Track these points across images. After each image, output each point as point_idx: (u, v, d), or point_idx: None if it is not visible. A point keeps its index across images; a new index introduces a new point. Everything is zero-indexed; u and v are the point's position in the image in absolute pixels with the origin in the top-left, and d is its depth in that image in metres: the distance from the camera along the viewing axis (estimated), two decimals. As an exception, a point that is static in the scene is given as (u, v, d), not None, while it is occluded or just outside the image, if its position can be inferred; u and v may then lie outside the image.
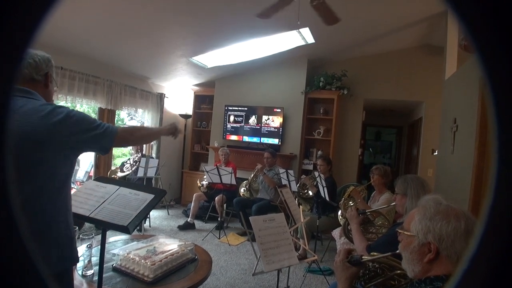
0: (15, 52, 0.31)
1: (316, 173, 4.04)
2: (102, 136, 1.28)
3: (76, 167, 6.04)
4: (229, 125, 5.90)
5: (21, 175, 1.12)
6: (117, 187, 1.50)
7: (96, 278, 1.59)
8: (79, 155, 1.34)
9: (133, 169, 4.85)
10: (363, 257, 1.31)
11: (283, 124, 5.50)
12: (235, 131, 5.86)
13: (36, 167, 1.16)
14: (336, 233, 3.39)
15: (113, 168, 5.12)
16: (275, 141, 5.54)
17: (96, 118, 4.98)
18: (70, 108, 1.27)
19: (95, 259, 2.07)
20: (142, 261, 2.04)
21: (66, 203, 1.28)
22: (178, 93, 6.60)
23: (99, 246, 1.48)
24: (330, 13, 2.80)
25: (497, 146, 0.30)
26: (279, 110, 5.51)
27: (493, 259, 0.30)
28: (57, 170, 1.22)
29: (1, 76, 0.30)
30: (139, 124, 5.95)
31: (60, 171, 1.23)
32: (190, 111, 6.58)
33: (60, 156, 1.22)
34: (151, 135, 1.76)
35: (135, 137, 1.50)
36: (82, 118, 1.26)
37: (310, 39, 4.54)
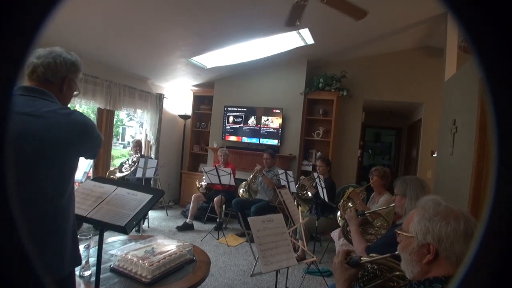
0: (17, 52, 0.31)
1: (315, 174, 4.03)
2: (98, 142, 1.32)
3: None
4: (228, 126, 5.89)
5: (41, 176, 1.13)
6: (115, 187, 1.49)
7: (94, 279, 1.58)
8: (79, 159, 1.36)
9: (131, 169, 4.84)
10: (361, 258, 1.30)
11: (282, 125, 5.49)
12: (234, 131, 5.86)
13: (57, 168, 1.17)
14: (335, 234, 3.39)
15: (111, 168, 5.11)
16: (274, 142, 5.53)
17: (95, 119, 4.98)
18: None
19: (92, 260, 2.06)
20: (140, 261, 2.03)
21: (73, 204, 1.29)
22: (177, 94, 6.60)
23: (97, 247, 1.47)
24: (298, 16, 2.72)
25: (497, 148, 0.30)
26: (278, 111, 5.50)
27: (493, 261, 0.30)
28: (69, 172, 1.24)
29: (2, 76, 0.30)
30: (138, 125, 5.95)
31: (72, 173, 1.26)
32: (189, 112, 6.58)
33: (72, 158, 1.24)
34: None
35: None
36: (93, 124, 1.29)
37: (310, 40, 4.54)
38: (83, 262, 2.01)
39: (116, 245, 2.54)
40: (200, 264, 2.35)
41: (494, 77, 0.29)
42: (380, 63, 5.41)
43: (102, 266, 1.63)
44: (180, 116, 6.53)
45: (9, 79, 0.31)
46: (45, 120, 1.12)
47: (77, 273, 1.99)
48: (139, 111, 5.64)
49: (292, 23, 2.80)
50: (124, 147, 12.09)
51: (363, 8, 2.66)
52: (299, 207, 3.59)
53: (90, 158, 1.40)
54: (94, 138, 1.29)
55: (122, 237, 2.76)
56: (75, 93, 1.37)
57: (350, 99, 5.49)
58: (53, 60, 1.20)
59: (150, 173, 4.88)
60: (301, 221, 2.83)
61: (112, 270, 2.08)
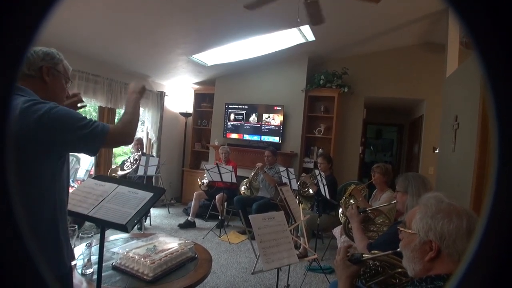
0: (16, 52, 0.31)
1: (317, 171, 4.03)
2: (88, 136, 1.16)
3: (76, 166, 6.05)
4: (229, 123, 5.89)
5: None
6: (116, 185, 1.49)
7: (96, 276, 1.58)
8: (63, 155, 1.20)
9: (133, 167, 4.85)
10: (363, 255, 1.30)
11: (283, 122, 5.48)
12: (235, 129, 5.86)
13: (17, 169, 1.02)
14: (337, 231, 3.39)
15: (113, 166, 5.12)
16: (276, 139, 5.53)
17: (97, 117, 4.97)
18: (54, 105, 1.13)
19: (94, 258, 2.07)
20: (142, 259, 2.03)
21: (54, 205, 1.18)
22: (179, 92, 6.59)
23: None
24: (319, 13, 2.79)
25: (498, 145, 0.29)
26: (279, 108, 5.49)
27: (494, 259, 0.29)
28: (39, 173, 1.11)
29: (2, 75, 0.30)
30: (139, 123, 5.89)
31: (43, 173, 1.13)
32: (190, 110, 6.57)
33: (41, 157, 1.11)
34: (136, 114, 1.47)
35: (129, 133, 1.34)
36: (65, 115, 1.14)
37: (311, 37, 4.53)
38: (85, 260, 2.03)
39: (118, 243, 2.55)
40: (202, 261, 2.36)
41: (496, 75, 0.29)
42: (381, 60, 5.39)
43: (104, 264, 1.64)
44: (181, 114, 6.52)
45: (9, 79, 0.31)
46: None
47: (79, 271, 2.00)
48: (140, 109, 5.63)
49: (318, 21, 2.88)
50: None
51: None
52: (300, 204, 3.59)
53: (87, 154, 1.27)
54: (68, 128, 1.13)
55: (124, 235, 2.76)
56: (68, 84, 1.35)
57: (352, 96, 5.47)
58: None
59: (151, 171, 4.90)
60: (302, 219, 2.83)
61: (114, 268, 2.08)
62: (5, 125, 0.31)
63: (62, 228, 1.22)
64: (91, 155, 1.30)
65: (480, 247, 0.30)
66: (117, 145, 1.79)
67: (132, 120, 1.39)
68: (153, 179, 5.42)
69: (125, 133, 1.32)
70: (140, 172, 4.75)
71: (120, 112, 5.72)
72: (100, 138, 1.19)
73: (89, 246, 2.05)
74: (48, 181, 1.15)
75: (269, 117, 5.58)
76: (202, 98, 6.58)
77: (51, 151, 1.14)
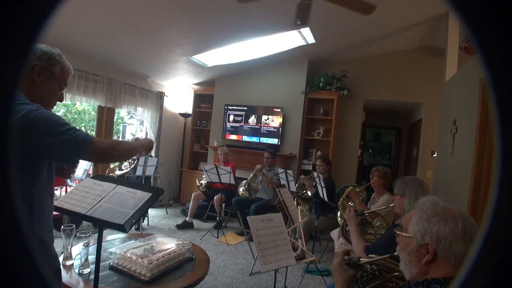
0: (19, 52, 0.31)
1: (315, 174, 4.03)
2: (68, 143, 1.09)
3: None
4: (228, 125, 5.89)
5: None
6: (114, 185, 1.49)
7: (93, 276, 1.58)
8: (41, 160, 1.12)
9: (131, 167, 4.84)
10: (361, 259, 1.30)
11: (282, 124, 5.49)
12: (234, 130, 5.86)
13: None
14: (334, 233, 3.39)
15: (111, 166, 5.11)
16: (275, 141, 5.53)
17: (95, 117, 4.97)
18: (36, 107, 1.06)
19: (92, 258, 2.06)
20: (139, 260, 2.03)
21: (31, 209, 1.12)
22: (178, 92, 6.60)
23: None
24: (308, 15, 2.71)
25: (500, 147, 0.29)
26: (279, 110, 5.50)
27: (495, 264, 0.29)
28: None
29: (5, 74, 0.31)
30: (138, 123, 5.86)
31: (19, 177, 1.03)
32: (189, 110, 6.58)
33: (19, 160, 1.04)
34: (130, 151, 1.41)
35: (115, 153, 1.26)
36: (45, 118, 1.07)
37: (311, 39, 4.54)
38: (82, 259, 2.02)
39: (116, 243, 2.54)
40: (200, 262, 2.35)
41: (498, 75, 0.29)
42: (381, 63, 5.40)
43: (101, 264, 1.63)
44: (181, 114, 6.53)
45: (13, 77, 0.31)
46: None
47: (76, 270, 2.00)
48: (139, 109, 5.64)
49: (302, 23, 2.82)
50: (125, 145, 12.10)
51: (371, 2, 2.59)
52: (298, 206, 3.58)
53: (64, 163, 1.21)
54: (47, 132, 1.06)
55: (121, 235, 2.76)
56: (62, 89, 1.27)
57: (351, 99, 5.48)
58: None
59: (150, 171, 4.89)
60: (300, 221, 2.83)
61: (111, 268, 2.08)
62: (7, 122, 0.32)
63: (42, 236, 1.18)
64: (68, 165, 1.22)
65: (481, 253, 0.30)
66: (97, 160, 1.65)
67: (122, 151, 1.32)
68: (151, 179, 5.41)
69: (109, 150, 1.24)
70: (139, 172, 4.75)
71: (119, 112, 5.72)
72: (81, 148, 1.11)
73: (86, 245, 2.04)
74: (24, 185, 1.09)
75: (268, 118, 5.58)
76: (202, 99, 6.58)
77: (27, 155, 1.07)
